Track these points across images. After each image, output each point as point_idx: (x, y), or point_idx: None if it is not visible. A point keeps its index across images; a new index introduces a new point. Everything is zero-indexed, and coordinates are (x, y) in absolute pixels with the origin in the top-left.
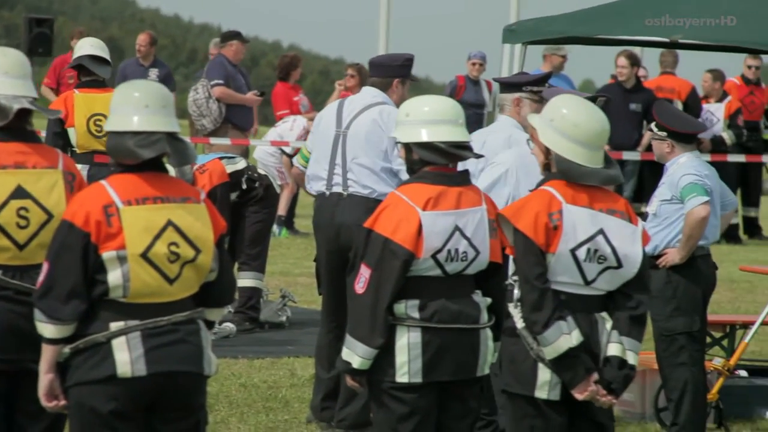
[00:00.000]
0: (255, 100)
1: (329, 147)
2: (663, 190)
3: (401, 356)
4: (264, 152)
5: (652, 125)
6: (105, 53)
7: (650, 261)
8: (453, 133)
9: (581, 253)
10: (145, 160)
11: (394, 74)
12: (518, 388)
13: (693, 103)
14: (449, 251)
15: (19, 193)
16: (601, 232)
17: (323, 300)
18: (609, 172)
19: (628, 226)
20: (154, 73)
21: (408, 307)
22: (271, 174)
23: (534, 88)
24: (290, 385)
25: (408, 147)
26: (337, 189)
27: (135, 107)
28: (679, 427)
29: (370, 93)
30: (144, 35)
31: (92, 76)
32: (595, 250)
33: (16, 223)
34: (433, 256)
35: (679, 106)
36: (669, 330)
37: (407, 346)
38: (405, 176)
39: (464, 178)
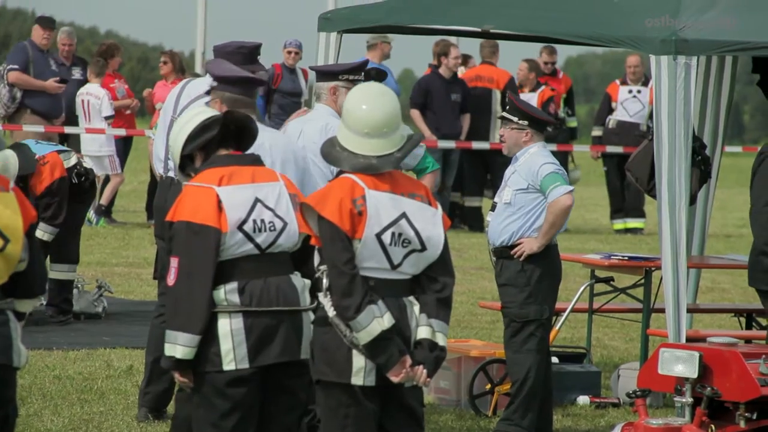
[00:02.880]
0: (54, 87)
1: (165, 132)
2: (517, 179)
3: (226, 343)
4: (98, 142)
5: (506, 115)
6: None
7: (505, 250)
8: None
9: (386, 237)
10: None
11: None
12: (333, 377)
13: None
14: (255, 221)
15: None
16: (404, 215)
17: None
18: (370, 161)
19: (429, 209)
20: None
21: (227, 292)
22: (103, 163)
23: (350, 76)
24: (106, 376)
25: None
26: (171, 174)
27: None
28: (513, 410)
29: (208, 81)
30: None
31: None
32: (400, 234)
33: None
34: (240, 228)
35: (497, 95)
36: (520, 317)
37: (230, 332)
38: None
39: (255, 160)
